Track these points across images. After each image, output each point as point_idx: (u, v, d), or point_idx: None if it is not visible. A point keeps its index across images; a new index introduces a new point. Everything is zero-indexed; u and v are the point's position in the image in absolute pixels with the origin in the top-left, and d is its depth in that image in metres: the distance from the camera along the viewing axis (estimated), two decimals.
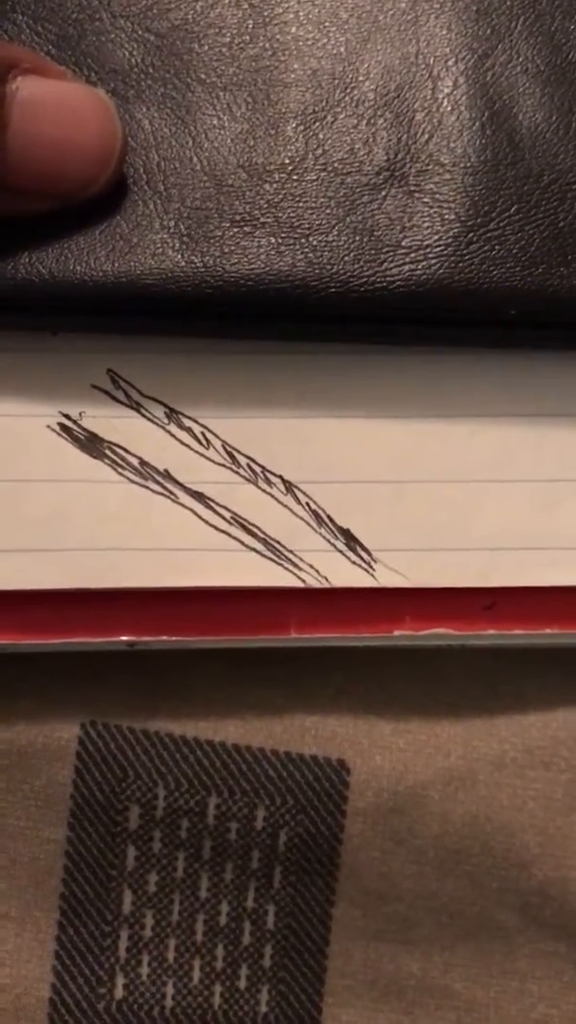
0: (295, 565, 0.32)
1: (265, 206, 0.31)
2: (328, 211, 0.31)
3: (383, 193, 0.31)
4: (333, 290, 0.30)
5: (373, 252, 0.31)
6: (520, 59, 0.32)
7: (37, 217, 0.30)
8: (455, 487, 0.32)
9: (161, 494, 0.32)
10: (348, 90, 0.31)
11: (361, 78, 0.31)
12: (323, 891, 0.34)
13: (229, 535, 0.32)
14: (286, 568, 0.32)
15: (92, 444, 0.32)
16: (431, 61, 0.32)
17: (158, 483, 0.32)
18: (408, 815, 0.34)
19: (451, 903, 0.34)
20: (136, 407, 0.32)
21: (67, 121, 0.29)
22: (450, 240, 0.31)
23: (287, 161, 0.31)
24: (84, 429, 0.32)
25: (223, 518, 0.32)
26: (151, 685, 0.34)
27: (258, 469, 0.32)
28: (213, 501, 0.32)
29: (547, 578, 0.32)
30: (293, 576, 0.32)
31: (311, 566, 0.32)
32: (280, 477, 0.32)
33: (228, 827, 0.34)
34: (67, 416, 0.32)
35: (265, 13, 0.32)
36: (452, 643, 0.33)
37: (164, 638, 0.32)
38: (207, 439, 0.32)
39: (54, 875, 0.34)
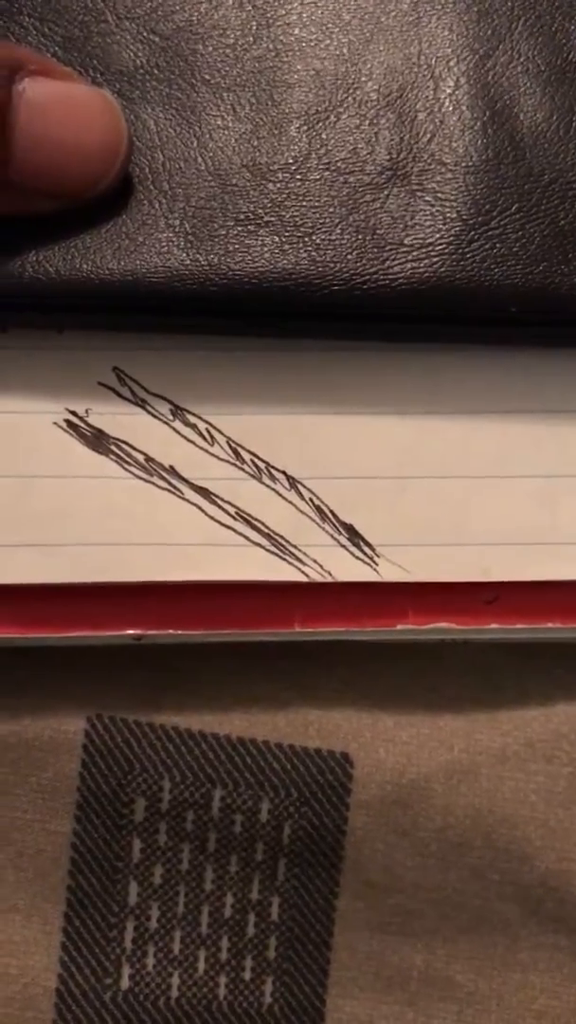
0: (299, 560, 0.32)
1: (269, 205, 0.31)
2: (331, 210, 0.31)
3: (386, 192, 0.31)
4: (336, 288, 0.31)
5: (376, 250, 0.31)
6: (521, 59, 0.32)
7: (44, 216, 0.30)
8: (457, 483, 0.33)
9: (166, 490, 0.32)
10: (351, 90, 0.32)
11: (364, 79, 0.32)
12: (327, 883, 0.34)
13: (234, 530, 0.32)
14: (290, 563, 0.32)
15: (98, 440, 0.32)
16: (433, 62, 0.32)
17: (163, 479, 0.32)
18: (411, 808, 0.34)
19: (454, 895, 0.34)
20: (141, 404, 0.32)
21: (73, 122, 0.29)
22: (452, 238, 0.31)
23: (291, 161, 0.31)
24: (90, 426, 0.32)
25: (228, 513, 0.32)
26: (157, 679, 0.34)
27: (262, 465, 0.32)
28: (218, 497, 0.32)
29: (548, 572, 0.33)
30: (297, 571, 0.32)
31: (315, 561, 0.32)
32: (284, 473, 0.32)
33: (233, 819, 0.34)
34: (74, 413, 0.32)
35: (268, 15, 0.32)
36: (455, 637, 0.33)
37: (170, 632, 0.32)
38: (212, 436, 0.32)
39: (61, 867, 0.34)
